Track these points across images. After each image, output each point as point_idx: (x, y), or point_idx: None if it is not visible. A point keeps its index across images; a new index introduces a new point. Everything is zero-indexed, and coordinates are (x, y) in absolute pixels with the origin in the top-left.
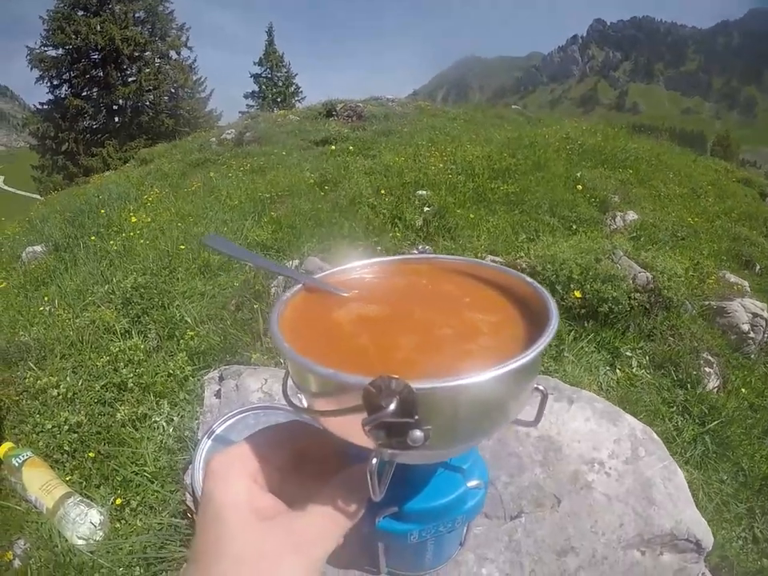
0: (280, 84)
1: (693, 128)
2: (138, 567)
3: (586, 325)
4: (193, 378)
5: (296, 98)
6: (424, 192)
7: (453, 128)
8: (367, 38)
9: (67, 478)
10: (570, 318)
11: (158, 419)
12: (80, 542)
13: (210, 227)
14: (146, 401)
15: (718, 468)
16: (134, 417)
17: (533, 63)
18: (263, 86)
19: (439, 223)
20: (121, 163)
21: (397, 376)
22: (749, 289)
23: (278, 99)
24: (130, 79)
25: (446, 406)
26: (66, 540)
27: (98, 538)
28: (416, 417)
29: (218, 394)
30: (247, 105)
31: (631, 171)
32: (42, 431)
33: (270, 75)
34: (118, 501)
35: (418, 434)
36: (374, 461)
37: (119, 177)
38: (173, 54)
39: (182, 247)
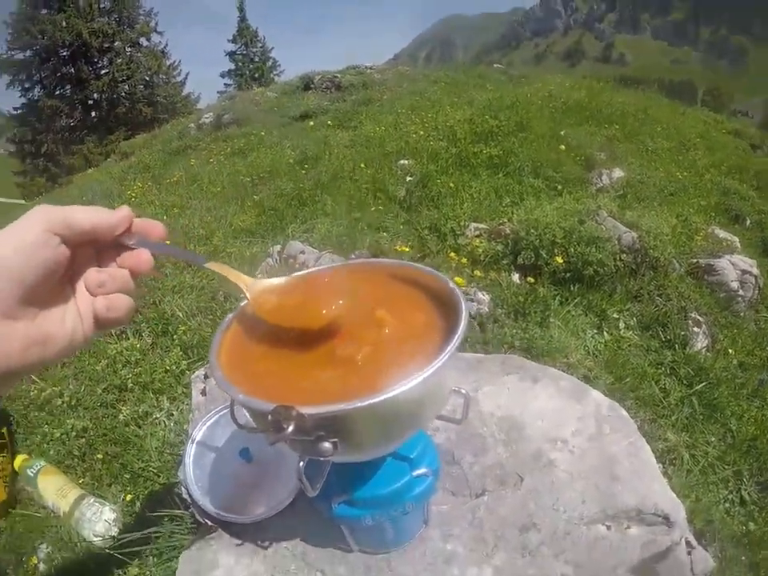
0: (256, 60)
1: (682, 78)
2: (151, 557)
3: (572, 289)
4: (189, 371)
5: (274, 73)
6: (406, 161)
7: (434, 92)
8: (342, 3)
9: (80, 481)
10: (555, 282)
11: (158, 415)
12: (97, 539)
13: (195, 217)
14: (146, 399)
15: (705, 430)
16: (136, 416)
17: (516, 19)
18: (239, 63)
19: (422, 193)
20: (102, 159)
21: (292, 405)
22: (738, 244)
23: (256, 75)
24: (102, 72)
25: (346, 424)
26: (84, 539)
27: (113, 534)
28: (317, 434)
29: (203, 392)
30: (225, 84)
31: (617, 127)
32: (51, 440)
33: (245, 52)
34: (128, 497)
35: (326, 446)
36: (301, 464)
37: (101, 174)
38: (143, 41)
39: (168, 242)
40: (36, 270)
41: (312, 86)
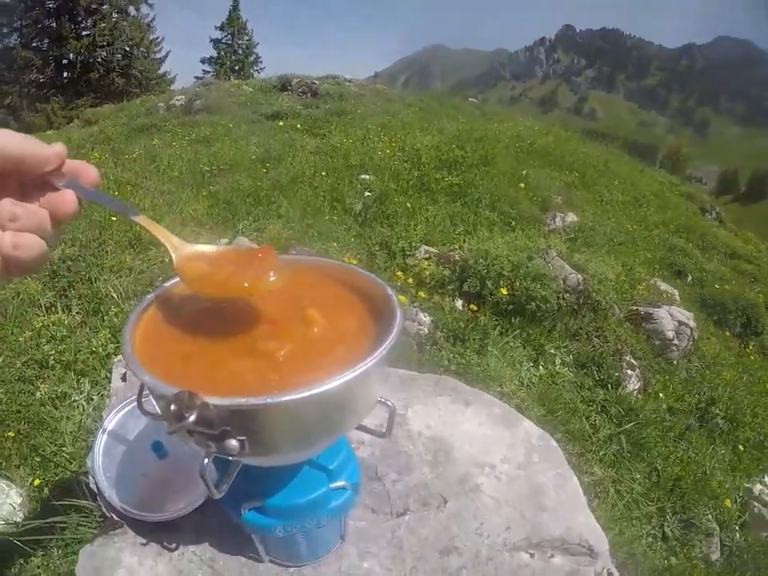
0: (240, 52)
1: (646, 140)
2: (55, 549)
3: (513, 321)
4: (115, 356)
5: (255, 68)
6: (367, 176)
7: (406, 115)
8: (335, 15)
9: None
10: (498, 313)
11: (77, 398)
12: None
13: (146, 198)
14: (67, 379)
15: (632, 467)
16: (54, 396)
17: (498, 59)
18: (222, 52)
19: (378, 209)
20: (65, 122)
21: (197, 392)
22: (678, 297)
23: (236, 68)
24: (83, 33)
25: (257, 421)
26: None
27: (17, 519)
28: (223, 429)
29: (123, 377)
30: (203, 70)
31: (577, 174)
32: None
33: (230, 42)
34: (37, 481)
35: (232, 443)
36: (206, 461)
37: (60, 137)
38: (132, 9)
39: (113, 219)
40: None
41: (289, 87)
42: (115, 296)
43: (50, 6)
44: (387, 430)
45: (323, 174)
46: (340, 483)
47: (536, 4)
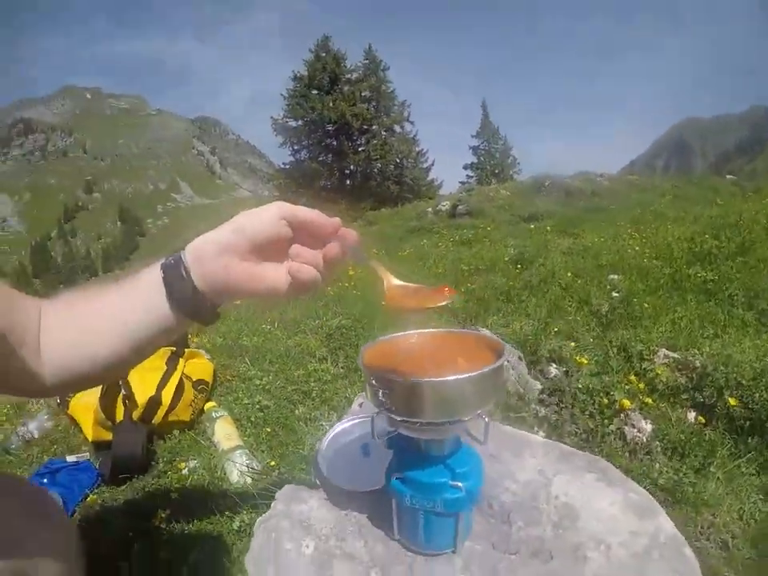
0: (497, 156)
1: None
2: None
3: (749, 441)
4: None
5: (513, 170)
6: (616, 276)
7: (660, 205)
8: (576, 106)
9: (244, 439)
10: (731, 429)
11: (324, 423)
12: (236, 478)
13: None
14: (321, 408)
15: None
16: (308, 417)
17: (755, 119)
18: (481, 158)
19: (624, 311)
20: (350, 221)
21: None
22: None
23: (496, 171)
24: (359, 149)
25: (419, 394)
26: (225, 474)
27: (248, 481)
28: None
29: (360, 405)
30: (467, 175)
31: None
32: (239, 403)
33: (487, 147)
34: (272, 463)
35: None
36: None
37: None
38: (396, 127)
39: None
40: (263, 236)
41: (542, 189)
42: None
43: (329, 128)
44: (484, 438)
45: (572, 274)
46: (457, 483)
47: None
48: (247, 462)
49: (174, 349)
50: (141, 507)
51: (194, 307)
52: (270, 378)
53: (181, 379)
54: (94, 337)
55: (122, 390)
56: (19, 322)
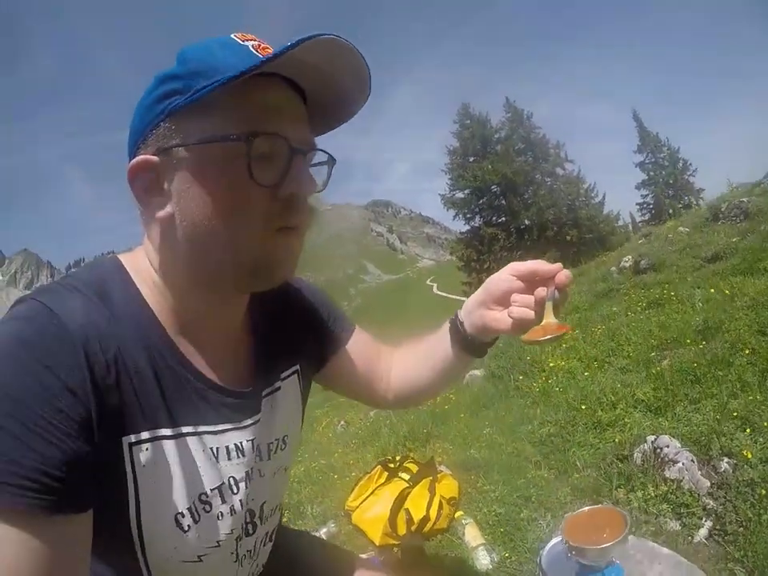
0: (666, 164)
1: None
2: None
3: None
4: (570, 504)
5: (687, 174)
6: None
7: None
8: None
9: (486, 537)
10: None
11: (541, 522)
12: (482, 567)
13: (608, 378)
14: (539, 511)
15: None
16: (530, 517)
17: None
18: (651, 173)
19: None
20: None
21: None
22: None
23: (670, 181)
24: (529, 202)
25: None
26: (473, 563)
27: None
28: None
29: None
30: (641, 195)
31: None
32: (479, 511)
33: (653, 159)
34: (506, 554)
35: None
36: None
37: None
38: (558, 170)
39: (583, 407)
40: (500, 290)
41: (720, 215)
42: (578, 464)
43: (494, 190)
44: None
45: (758, 332)
46: None
47: None
48: (489, 556)
49: (431, 478)
50: None
51: (467, 346)
52: (499, 487)
53: (440, 501)
54: (418, 370)
55: (405, 515)
56: (378, 365)
